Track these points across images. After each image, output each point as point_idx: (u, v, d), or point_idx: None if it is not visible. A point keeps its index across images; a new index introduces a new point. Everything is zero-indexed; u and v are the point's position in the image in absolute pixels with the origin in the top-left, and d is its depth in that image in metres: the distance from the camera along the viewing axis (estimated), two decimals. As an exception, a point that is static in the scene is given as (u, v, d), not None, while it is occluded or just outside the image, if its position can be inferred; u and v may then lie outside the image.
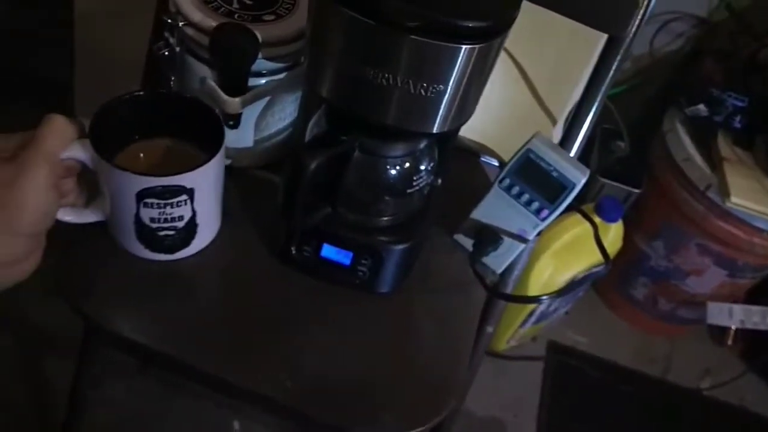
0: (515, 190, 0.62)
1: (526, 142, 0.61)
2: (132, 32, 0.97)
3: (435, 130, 0.50)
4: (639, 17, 0.60)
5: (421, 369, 0.59)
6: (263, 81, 0.59)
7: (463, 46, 0.45)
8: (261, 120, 0.63)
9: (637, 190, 1.24)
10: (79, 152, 0.52)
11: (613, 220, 1.08)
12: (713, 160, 1.17)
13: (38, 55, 1.40)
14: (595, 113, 0.64)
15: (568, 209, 0.62)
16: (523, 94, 0.86)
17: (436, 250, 0.67)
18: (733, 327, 1.34)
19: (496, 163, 0.79)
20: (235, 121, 0.60)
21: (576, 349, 1.36)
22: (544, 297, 0.57)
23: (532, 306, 1.14)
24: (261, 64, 0.58)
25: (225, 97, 0.57)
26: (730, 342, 1.40)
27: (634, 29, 0.60)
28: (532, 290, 1.07)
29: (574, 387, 1.31)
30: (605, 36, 0.72)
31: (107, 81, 1.11)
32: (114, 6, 1.10)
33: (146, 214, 0.53)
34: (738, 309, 1.28)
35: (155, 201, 0.52)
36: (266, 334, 0.58)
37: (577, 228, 1.08)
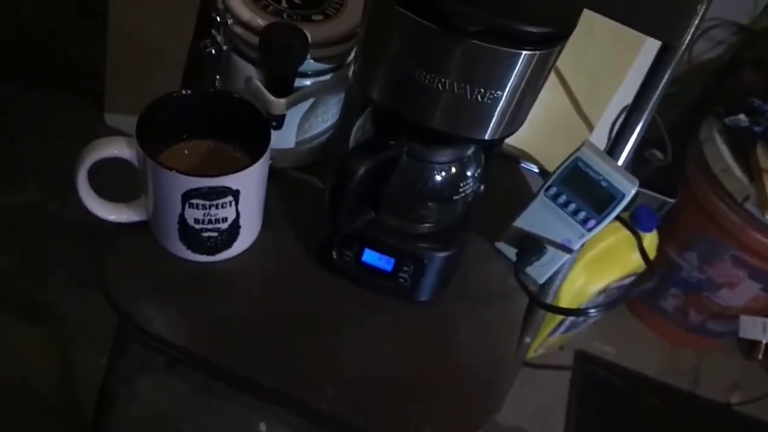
0: (562, 198, 0.60)
1: (575, 150, 0.60)
2: (166, 23, 0.96)
3: (487, 137, 0.49)
4: (695, 25, 0.58)
5: (463, 380, 0.57)
6: (308, 82, 0.59)
7: (523, 52, 0.43)
8: (304, 121, 0.62)
9: (672, 200, 1.21)
10: (125, 150, 0.52)
11: (648, 230, 1.06)
12: (752, 171, 1.14)
13: (70, 43, 1.41)
14: (645, 122, 0.63)
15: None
16: (560, 100, 0.85)
17: (477, 257, 0.66)
18: (765, 341, 1.32)
19: (537, 170, 0.78)
20: (279, 122, 0.59)
21: (603, 359, 1.34)
22: (592, 310, 0.55)
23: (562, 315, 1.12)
24: (307, 64, 0.57)
25: (271, 97, 0.56)
26: (760, 357, 1.37)
27: (689, 36, 0.59)
28: (564, 301, 1.06)
29: (601, 397, 1.29)
30: (646, 44, 0.70)
31: (139, 70, 1.11)
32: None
33: (191, 214, 0.53)
34: (772, 323, 1.26)
35: (201, 202, 0.52)
36: (305, 339, 0.58)
37: (611, 238, 1.06)
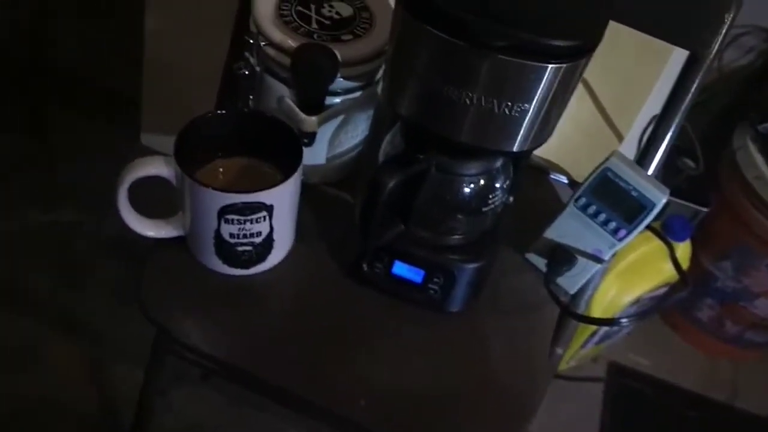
0: (592, 209, 0.60)
1: (604, 161, 0.60)
2: (201, 47, 0.99)
3: (515, 149, 0.50)
4: (723, 34, 0.58)
5: (496, 389, 0.58)
6: (338, 100, 0.60)
7: (550, 65, 0.44)
8: (334, 138, 0.63)
9: (704, 209, 1.20)
10: (164, 169, 0.54)
11: (682, 240, 1.05)
12: (786, 178, 1.12)
13: (106, 68, 1.46)
14: (674, 131, 0.63)
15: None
16: (589, 111, 0.85)
17: (507, 269, 0.66)
18: (805, 352, 1.28)
19: (566, 181, 0.78)
20: (310, 139, 0.61)
21: (637, 370, 1.32)
22: (624, 319, 0.55)
23: (595, 326, 1.11)
24: (337, 83, 0.58)
25: (302, 115, 0.58)
26: (801, 368, 1.34)
27: (717, 45, 0.59)
28: (596, 312, 1.05)
29: (636, 410, 1.27)
30: (674, 53, 0.70)
31: (173, 92, 1.15)
32: (184, 22, 1.13)
33: (226, 229, 0.54)
34: (812, 334, 1.23)
35: (236, 217, 0.53)
36: (337, 350, 0.58)
37: (643, 248, 1.05)
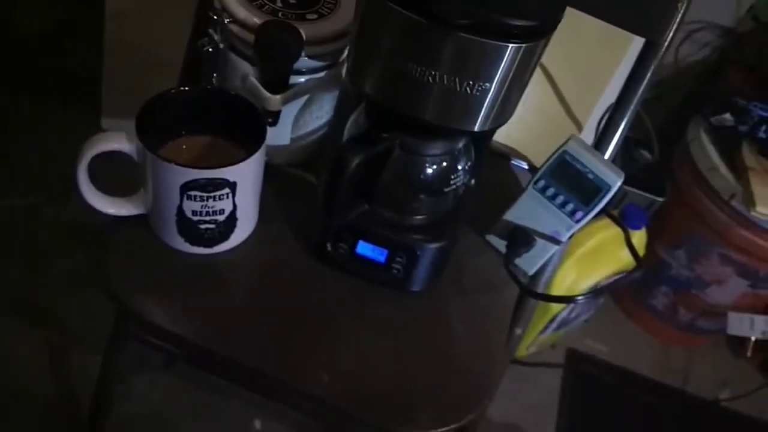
0: (550, 191, 0.62)
1: (562, 144, 0.61)
2: (163, 28, 0.98)
3: (476, 129, 0.51)
4: (676, 22, 0.60)
5: (456, 368, 0.59)
6: (303, 79, 0.60)
7: (510, 45, 0.45)
8: (299, 118, 0.63)
9: (660, 199, 1.24)
10: (125, 144, 0.53)
11: (637, 227, 1.08)
12: (738, 169, 1.16)
13: (66, 49, 1.42)
14: (630, 118, 0.65)
15: (597, 215, 0.62)
16: (550, 99, 0.87)
17: (468, 250, 0.67)
18: (753, 338, 1.33)
19: (526, 167, 0.80)
20: (274, 118, 0.61)
21: (595, 357, 1.35)
22: (579, 297, 0.57)
23: (554, 312, 1.13)
24: (302, 62, 0.58)
25: (266, 94, 0.58)
26: (749, 354, 1.39)
27: (671, 34, 0.61)
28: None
29: (593, 395, 1.31)
30: (633, 42, 0.72)
31: (135, 75, 1.13)
32: (145, 1, 1.11)
33: (189, 206, 0.54)
34: (759, 320, 1.27)
35: (198, 194, 0.53)
36: (302, 329, 0.59)
37: (601, 234, 1.08)
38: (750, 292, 1.27)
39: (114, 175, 0.58)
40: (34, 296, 1.09)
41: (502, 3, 0.45)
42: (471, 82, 0.47)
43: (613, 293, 1.46)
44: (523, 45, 0.45)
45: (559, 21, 0.48)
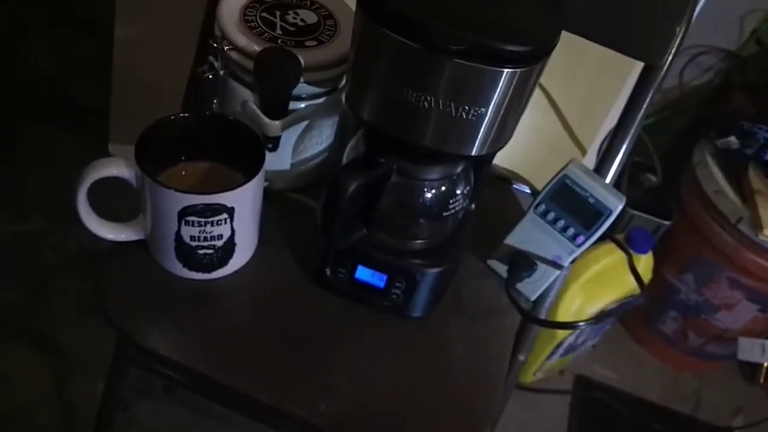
0: (551, 216, 0.62)
1: (562, 168, 0.61)
2: (170, 60, 0.99)
3: (474, 153, 0.51)
4: (675, 46, 0.60)
5: (456, 396, 0.58)
6: (303, 105, 0.61)
7: (505, 70, 0.45)
8: (299, 143, 0.64)
9: (666, 222, 1.23)
10: (124, 170, 0.54)
11: (644, 252, 1.07)
12: (744, 193, 1.15)
13: (76, 80, 1.45)
14: (630, 141, 0.65)
15: (601, 239, 0.62)
16: (552, 124, 0.87)
17: (469, 275, 0.67)
18: (766, 364, 1.31)
19: (528, 191, 0.79)
20: (274, 143, 0.61)
21: (604, 383, 1.33)
22: (581, 323, 0.56)
23: (560, 337, 1.12)
24: (301, 88, 0.59)
25: (266, 119, 0.58)
26: (762, 380, 1.36)
27: (670, 58, 0.61)
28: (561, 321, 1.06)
29: (601, 422, 1.28)
30: (635, 67, 0.73)
31: (143, 107, 1.14)
32: (153, 33, 1.13)
33: (187, 232, 0.54)
34: (771, 346, 1.25)
35: (196, 219, 0.53)
36: (300, 355, 0.58)
37: (607, 259, 1.07)
38: (760, 316, 1.25)
39: (122, 201, 0.58)
40: (39, 323, 1.10)
41: (497, 28, 0.45)
42: (467, 107, 0.47)
43: (622, 318, 1.44)
44: (519, 70, 0.46)
45: (555, 46, 0.48)
